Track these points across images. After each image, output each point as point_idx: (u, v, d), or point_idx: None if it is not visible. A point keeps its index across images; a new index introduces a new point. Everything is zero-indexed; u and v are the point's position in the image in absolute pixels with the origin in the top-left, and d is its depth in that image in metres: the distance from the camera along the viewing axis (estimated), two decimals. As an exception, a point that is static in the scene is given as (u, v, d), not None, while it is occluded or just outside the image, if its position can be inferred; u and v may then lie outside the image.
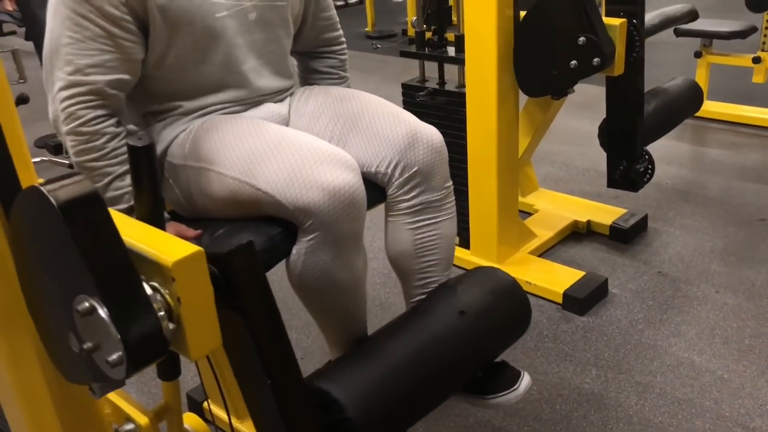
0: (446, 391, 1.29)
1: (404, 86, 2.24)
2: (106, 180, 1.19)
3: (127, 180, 1.18)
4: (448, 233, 1.38)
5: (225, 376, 1.61)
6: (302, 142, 1.17)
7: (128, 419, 1.05)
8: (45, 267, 0.80)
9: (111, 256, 0.74)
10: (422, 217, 1.33)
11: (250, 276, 0.88)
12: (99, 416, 1.05)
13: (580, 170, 2.99)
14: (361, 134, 1.31)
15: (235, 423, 1.61)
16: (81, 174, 0.76)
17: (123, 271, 0.75)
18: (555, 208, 2.55)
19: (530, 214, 2.54)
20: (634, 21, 1.86)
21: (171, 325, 0.79)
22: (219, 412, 1.63)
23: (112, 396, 1.15)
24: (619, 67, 1.87)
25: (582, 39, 1.76)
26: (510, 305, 1.37)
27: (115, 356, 0.74)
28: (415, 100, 2.17)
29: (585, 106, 3.43)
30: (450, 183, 1.37)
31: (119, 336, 0.73)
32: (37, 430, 0.99)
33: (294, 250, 1.17)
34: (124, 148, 1.19)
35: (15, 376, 0.95)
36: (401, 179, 1.29)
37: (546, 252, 2.35)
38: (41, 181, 0.85)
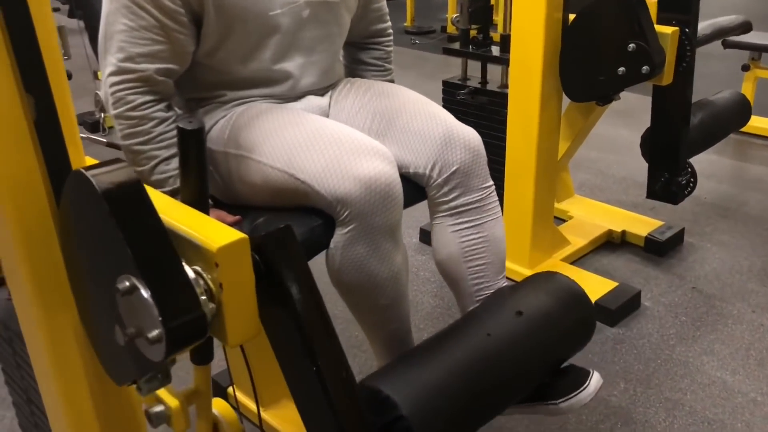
0: (508, 398, 1.21)
1: (445, 84, 2.22)
2: (153, 163, 1.20)
3: (173, 164, 1.19)
4: (495, 235, 1.35)
5: (253, 363, 1.62)
6: (340, 133, 1.17)
7: (158, 400, 1.05)
8: (89, 251, 0.80)
9: (150, 236, 0.74)
10: (465, 219, 1.32)
11: (289, 259, 0.86)
12: (130, 395, 1.05)
13: (617, 179, 2.94)
14: (398, 134, 1.30)
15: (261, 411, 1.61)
16: (124, 160, 0.76)
17: (163, 251, 0.75)
18: (590, 216, 2.51)
19: (564, 221, 2.51)
20: (687, 30, 1.81)
21: (211, 310, 0.79)
22: (243, 399, 1.63)
23: (144, 376, 1.15)
24: (668, 77, 1.83)
25: (632, 45, 1.73)
26: (573, 309, 1.29)
27: (155, 333, 0.73)
28: (456, 98, 2.15)
29: (625, 114, 3.38)
30: (491, 183, 1.35)
31: (159, 313, 0.72)
32: (70, 405, 1.00)
33: (332, 244, 1.17)
34: (172, 133, 1.20)
35: (53, 355, 0.96)
36: (439, 180, 1.28)
37: (578, 260, 2.32)
38: (88, 162, 0.86)
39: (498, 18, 2.22)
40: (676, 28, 1.80)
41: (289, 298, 0.87)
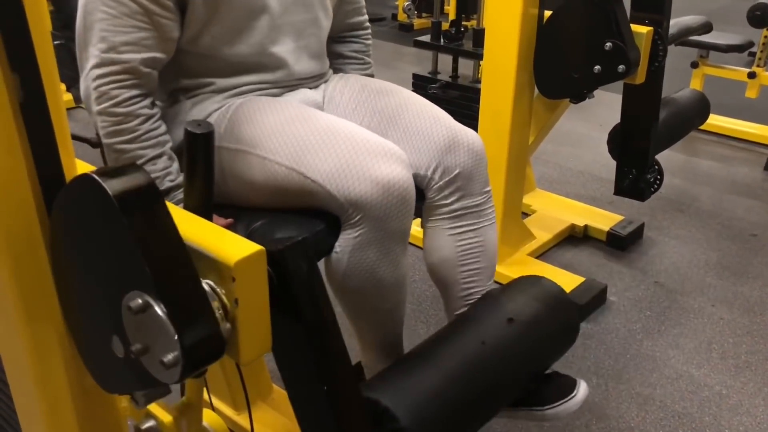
0: (499, 402, 1.22)
1: (416, 77, 2.19)
2: (138, 163, 1.12)
3: (160, 164, 1.12)
4: (490, 241, 1.34)
5: (225, 365, 1.56)
6: (354, 133, 1.13)
7: (149, 416, 0.99)
8: (91, 263, 0.73)
9: (169, 250, 0.69)
10: (463, 223, 1.30)
11: (305, 275, 0.83)
12: (115, 409, 0.99)
13: (574, 173, 2.98)
14: (400, 134, 1.27)
15: (233, 416, 1.57)
16: (132, 164, 0.70)
17: (181, 267, 0.70)
18: (552, 210, 2.54)
19: (527, 215, 2.53)
20: (659, 29, 1.83)
21: (228, 329, 0.75)
22: (216, 402, 1.58)
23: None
24: (641, 76, 1.85)
25: (609, 44, 1.73)
26: (559, 314, 1.30)
27: (170, 356, 0.68)
28: (427, 92, 2.12)
29: (579, 109, 3.39)
30: (489, 188, 1.33)
31: (176, 335, 0.67)
32: (50, 418, 0.93)
33: (337, 247, 1.13)
34: (158, 131, 1.13)
35: (34, 364, 0.88)
36: (441, 183, 1.26)
37: (543, 254, 2.34)
38: (91, 168, 0.79)
39: (449, 8, 2.20)
40: (650, 27, 1.81)
41: (303, 316, 0.83)
